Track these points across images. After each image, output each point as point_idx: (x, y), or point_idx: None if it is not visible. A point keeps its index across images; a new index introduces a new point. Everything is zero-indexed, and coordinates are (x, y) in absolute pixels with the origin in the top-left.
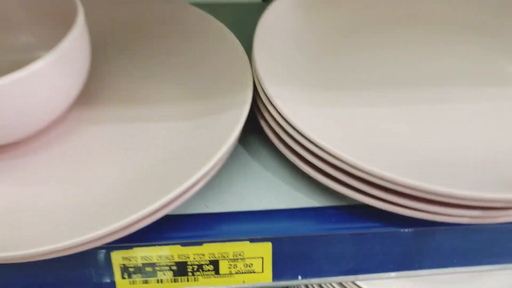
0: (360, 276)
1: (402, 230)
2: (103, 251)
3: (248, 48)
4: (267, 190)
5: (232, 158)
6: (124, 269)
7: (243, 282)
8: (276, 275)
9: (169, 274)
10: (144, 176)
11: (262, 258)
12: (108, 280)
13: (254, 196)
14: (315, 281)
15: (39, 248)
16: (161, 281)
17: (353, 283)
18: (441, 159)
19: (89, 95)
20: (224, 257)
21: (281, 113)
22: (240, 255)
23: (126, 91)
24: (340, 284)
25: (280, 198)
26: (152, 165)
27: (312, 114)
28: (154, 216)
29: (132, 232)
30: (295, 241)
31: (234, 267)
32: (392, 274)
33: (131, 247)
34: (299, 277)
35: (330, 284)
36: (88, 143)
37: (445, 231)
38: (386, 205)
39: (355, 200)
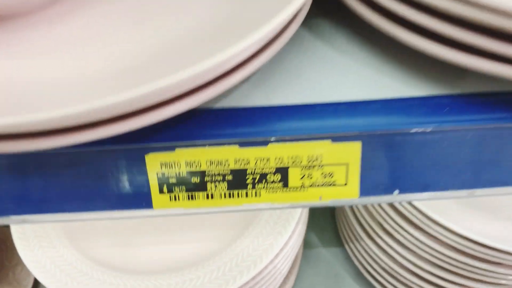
0: (478, 191)
1: None
2: (135, 152)
3: None
4: (349, 77)
5: (300, 46)
6: (163, 179)
7: (320, 198)
8: (365, 189)
9: (223, 187)
10: (171, 49)
11: (347, 164)
12: (141, 194)
13: (333, 86)
14: (415, 197)
15: (39, 114)
16: (212, 196)
17: (410, 204)
18: None
19: None
20: (295, 163)
21: None
22: (317, 160)
23: None
24: (392, 205)
25: (369, 88)
26: (184, 38)
27: None
28: (193, 99)
29: (167, 119)
30: (394, 141)
31: (308, 177)
32: None
33: (172, 148)
34: (396, 191)
35: (379, 205)
36: (101, 18)
37: None
38: None
39: (476, 87)
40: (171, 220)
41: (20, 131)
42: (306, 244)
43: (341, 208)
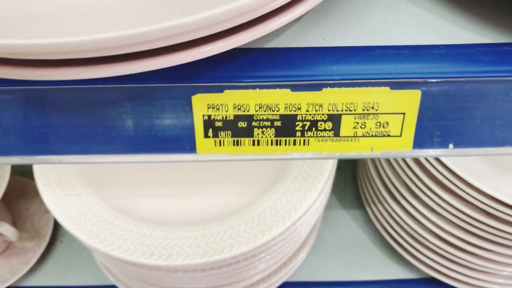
0: None
1: None
2: (181, 92)
3: None
4: (411, 21)
5: None
6: (209, 122)
7: (371, 149)
8: (419, 141)
9: (270, 133)
10: None
11: (404, 114)
12: (185, 138)
13: (393, 29)
14: (473, 151)
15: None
16: (258, 142)
17: (441, 164)
18: None
19: None
20: (350, 110)
21: None
22: (373, 108)
23: None
24: (421, 165)
25: (431, 32)
26: None
27: None
28: (242, 36)
29: (217, 55)
30: (455, 91)
31: (361, 127)
32: None
33: (221, 89)
34: (450, 145)
35: (407, 165)
36: None
37: None
38: None
39: None
40: (197, 173)
41: (82, 50)
42: (326, 206)
43: (364, 169)
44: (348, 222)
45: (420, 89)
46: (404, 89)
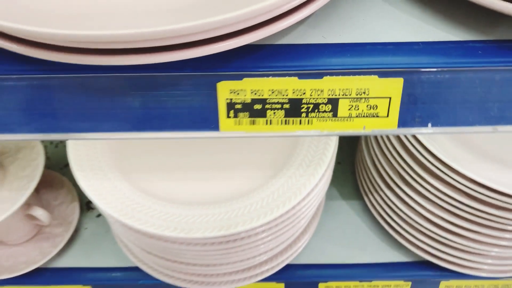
0: (500, 128)
1: None
2: (209, 79)
3: None
4: (395, 23)
5: None
6: (231, 105)
7: (364, 128)
8: (403, 121)
9: (280, 114)
10: None
11: (390, 98)
12: (211, 119)
13: (381, 29)
14: (447, 130)
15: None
16: (270, 122)
17: (414, 137)
18: None
19: None
20: (345, 95)
21: None
22: (364, 93)
23: None
24: (413, 156)
25: (411, 32)
26: None
27: None
28: (259, 32)
29: (238, 47)
30: (432, 79)
31: (355, 109)
32: None
33: (240, 77)
34: (429, 124)
35: (400, 156)
36: None
37: None
38: None
39: (507, 35)
40: (214, 159)
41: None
42: (328, 197)
43: (362, 163)
44: (347, 211)
45: (403, 78)
46: (389, 77)
